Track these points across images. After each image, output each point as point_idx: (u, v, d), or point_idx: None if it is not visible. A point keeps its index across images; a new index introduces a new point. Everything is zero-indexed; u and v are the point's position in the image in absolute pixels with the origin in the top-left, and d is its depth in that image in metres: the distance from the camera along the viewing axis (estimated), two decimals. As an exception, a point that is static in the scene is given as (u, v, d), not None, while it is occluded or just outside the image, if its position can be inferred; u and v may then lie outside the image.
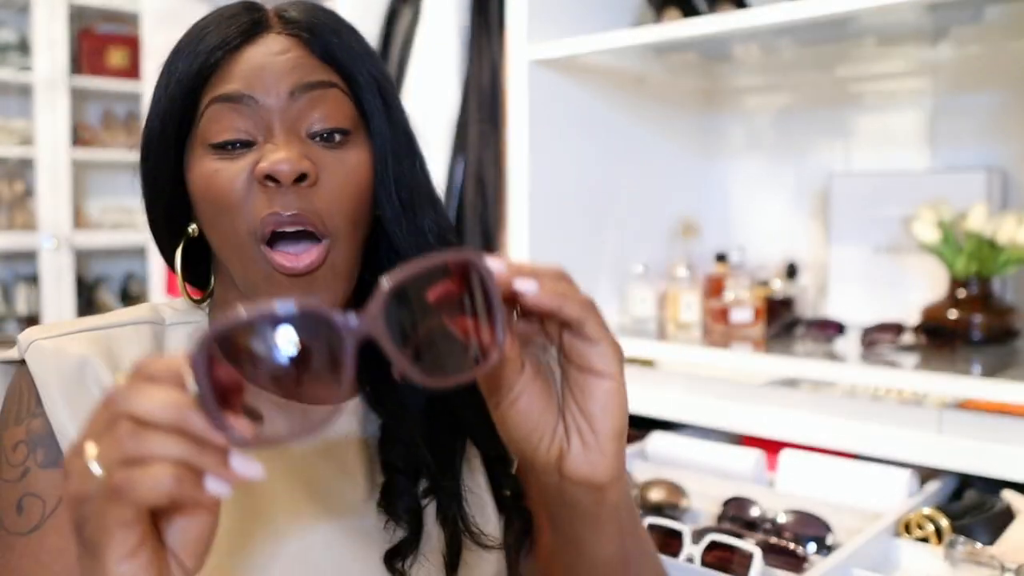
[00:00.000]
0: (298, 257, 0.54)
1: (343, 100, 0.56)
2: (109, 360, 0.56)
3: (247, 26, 0.56)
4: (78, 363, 0.55)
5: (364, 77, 0.57)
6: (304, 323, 0.35)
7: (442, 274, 0.38)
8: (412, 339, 0.38)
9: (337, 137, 0.56)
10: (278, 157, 0.52)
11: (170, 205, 0.59)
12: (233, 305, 0.61)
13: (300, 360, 0.35)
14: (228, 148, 0.55)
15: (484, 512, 0.62)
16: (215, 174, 0.55)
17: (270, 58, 0.55)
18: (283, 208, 0.53)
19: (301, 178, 0.53)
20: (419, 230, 0.60)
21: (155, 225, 0.62)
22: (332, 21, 0.58)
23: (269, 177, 0.53)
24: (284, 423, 0.36)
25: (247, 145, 0.55)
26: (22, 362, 0.57)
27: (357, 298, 0.60)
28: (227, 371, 0.34)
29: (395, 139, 0.58)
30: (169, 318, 0.62)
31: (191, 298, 0.63)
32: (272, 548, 0.56)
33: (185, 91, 0.55)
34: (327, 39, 0.56)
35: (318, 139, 0.55)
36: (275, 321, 0.34)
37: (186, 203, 0.59)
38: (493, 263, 0.39)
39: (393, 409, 0.60)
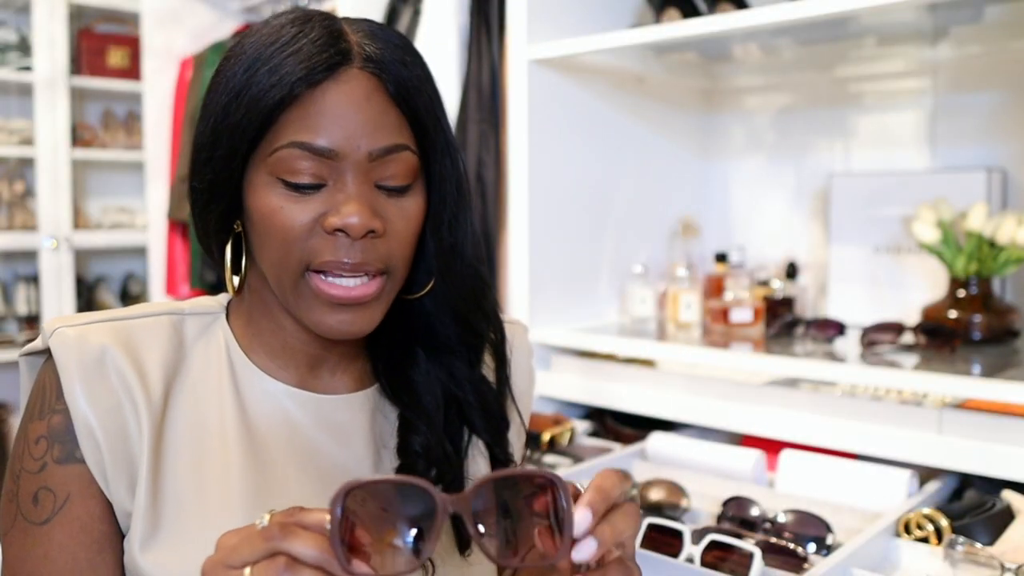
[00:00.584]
0: (351, 290, 0.58)
1: (412, 159, 0.60)
2: (128, 349, 0.59)
3: (332, 59, 0.56)
4: (99, 351, 0.58)
5: (434, 131, 0.61)
6: (412, 492, 0.45)
7: (529, 483, 0.48)
8: (491, 524, 0.47)
9: (401, 189, 0.60)
10: (350, 210, 0.56)
11: (226, 208, 0.60)
12: (267, 303, 0.63)
13: (405, 516, 0.45)
14: (298, 187, 0.57)
15: None
16: (281, 210, 0.57)
17: (353, 106, 0.56)
18: (348, 257, 0.57)
19: (370, 232, 0.57)
20: (461, 269, 0.65)
21: (205, 224, 0.63)
22: (407, 56, 0.60)
23: (339, 230, 0.56)
24: (397, 558, 0.45)
25: (317, 187, 0.57)
26: (47, 355, 0.60)
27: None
28: (355, 517, 0.44)
29: (454, 188, 0.63)
30: (188, 309, 0.65)
31: (231, 290, 0.65)
32: None
33: (263, 114, 0.56)
34: (404, 83, 0.58)
35: (384, 189, 0.59)
36: (393, 487, 0.46)
37: (240, 205, 0.60)
38: (578, 513, 0.46)
39: (410, 402, 0.65)
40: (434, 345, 0.66)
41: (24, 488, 0.58)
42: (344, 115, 0.56)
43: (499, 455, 0.68)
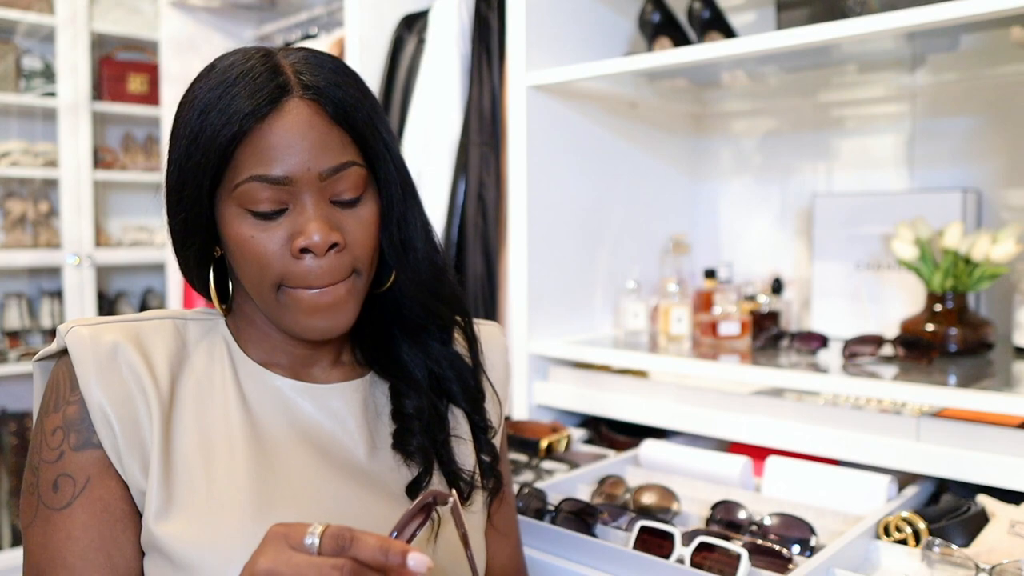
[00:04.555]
0: (323, 295, 0.64)
1: (359, 172, 0.65)
2: (137, 345, 0.64)
3: (273, 93, 0.61)
4: (112, 346, 0.63)
5: (375, 142, 0.66)
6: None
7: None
8: None
9: (353, 200, 0.65)
10: (312, 229, 0.61)
11: (204, 240, 0.66)
12: (252, 316, 0.69)
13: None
14: (263, 215, 0.62)
15: (468, 460, 0.73)
16: (252, 239, 0.63)
17: (299, 133, 0.61)
18: (316, 278, 0.63)
19: (333, 246, 0.63)
20: (415, 262, 0.70)
21: (186, 259, 0.68)
22: (340, 77, 0.65)
23: (305, 249, 0.62)
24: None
25: (280, 212, 0.63)
26: (59, 357, 0.64)
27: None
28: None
29: (399, 189, 0.68)
30: (190, 315, 0.70)
31: (220, 308, 0.70)
32: (299, 503, 0.63)
33: (220, 151, 0.61)
34: (342, 103, 0.63)
35: (338, 204, 0.64)
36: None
37: (215, 234, 0.66)
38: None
39: (400, 374, 0.72)
40: (408, 329, 0.72)
41: (43, 478, 0.61)
42: (292, 143, 0.61)
43: (479, 422, 0.75)
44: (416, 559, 0.47)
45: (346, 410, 0.69)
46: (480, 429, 0.75)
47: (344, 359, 0.73)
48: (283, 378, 0.68)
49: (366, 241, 0.66)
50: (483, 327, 0.80)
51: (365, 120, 0.65)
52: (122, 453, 0.61)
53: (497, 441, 0.79)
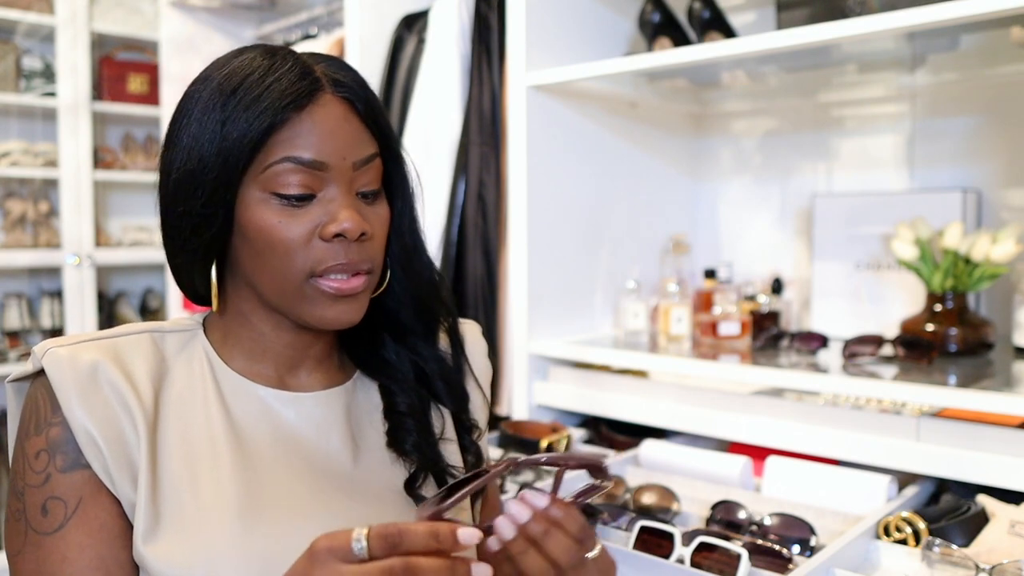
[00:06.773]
0: (348, 281, 0.64)
1: (380, 166, 0.67)
2: (117, 362, 0.62)
3: (311, 86, 0.62)
4: (91, 365, 0.61)
5: (393, 147, 0.69)
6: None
7: None
8: None
9: (374, 194, 0.66)
10: (345, 216, 0.62)
11: (220, 227, 0.63)
12: (246, 314, 0.68)
13: None
14: (293, 200, 0.62)
15: (455, 458, 0.74)
16: (279, 224, 0.62)
17: (335, 124, 0.63)
18: (346, 259, 0.63)
19: (362, 235, 0.63)
20: (421, 265, 0.72)
21: (192, 248, 0.65)
22: (365, 84, 0.67)
23: (338, 235, 0.62)
24: None
25: (309, 199, 0.62)
26: (34, 377, 0.62)
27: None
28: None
29: (410, 194, 0.71)
30: (168, 327, 0.69)
31: (216, 307, 0.69)
32: (286, 513, 0.62)
33: (255, 138, 0.60)
34: (369, 104, 0.66)
35: (362, 196, 0.65)
36: None
37: (230, 229, 0.64)
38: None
39: (389, 374, 0.73)
40: (398, 331, 0.73)
41: (30, 502, 0.59)
42: (330, 132, 0.62)
43: (465, 421, 0.75)
44: (466, 533, 0.48)
45: (330, 418, 0.68)
46: (465, 429, 0.75)
47: (329, 363, 0.72)
48: (265, 388, 0.67)
49: (382, 238, 0.67)
50: (463, 325, 0.80)
51: (386, 124, 0.67)
52: (112, 472, 0.60)
53: (483, 442, 0.79)
